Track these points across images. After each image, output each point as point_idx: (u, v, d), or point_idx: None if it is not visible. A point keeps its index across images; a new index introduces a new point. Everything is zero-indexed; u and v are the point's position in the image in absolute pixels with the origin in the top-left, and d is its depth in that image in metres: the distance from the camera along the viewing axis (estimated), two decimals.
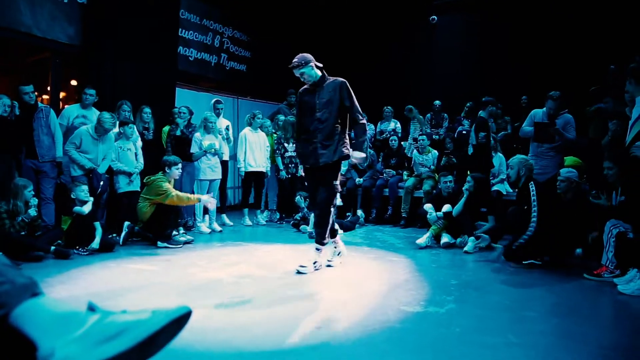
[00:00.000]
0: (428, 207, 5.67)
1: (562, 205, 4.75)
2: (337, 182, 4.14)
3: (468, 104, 8.82)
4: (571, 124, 5.43)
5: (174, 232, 5.54)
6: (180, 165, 5.55)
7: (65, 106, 6.52)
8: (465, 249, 5.10)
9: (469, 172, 6.74)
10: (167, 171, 5.44)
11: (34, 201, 4.79)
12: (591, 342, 2.52)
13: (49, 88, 6.92)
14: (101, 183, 5.51)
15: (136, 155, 5.97)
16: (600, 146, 5.72)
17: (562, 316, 2.98)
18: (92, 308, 1.17)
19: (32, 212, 4.68)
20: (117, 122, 5.83)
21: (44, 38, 6.35)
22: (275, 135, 7.63)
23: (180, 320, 1.19)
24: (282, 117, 7.82)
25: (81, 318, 1.12)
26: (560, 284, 3.84)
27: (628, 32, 7.35)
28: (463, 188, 5.49)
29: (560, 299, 3.42)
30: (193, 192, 6.50)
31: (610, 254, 3.88)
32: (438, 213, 5.48)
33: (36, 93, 5.61)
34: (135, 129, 6.10)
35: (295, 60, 4.00)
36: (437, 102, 9.03)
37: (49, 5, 6.31)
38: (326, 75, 4.14)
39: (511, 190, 6.51)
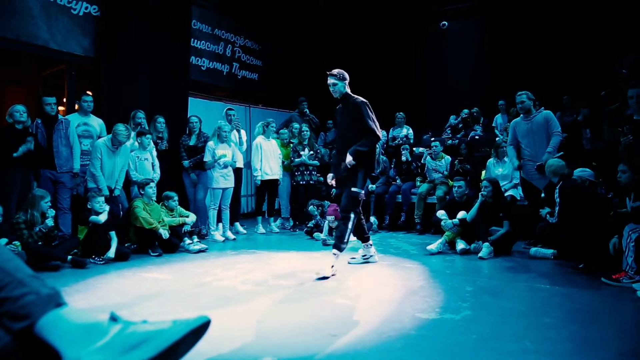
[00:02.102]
0: (441, 213, 5.65)
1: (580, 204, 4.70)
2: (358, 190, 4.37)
3: (474, 110, 8.78)
4: (550, 117, 5.55)
5: (188, 241, 5.59)
6: (153, 185, 5.61)
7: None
8: (480, 254, 5.05)
9: (482, 177, 6.71)
10: (142, 192, 5.53)
11: (52, 212, 4.86)
12: (611, 348, 2.48)
13: (64, 99, 7.03)
14: (112, 204, 5.62)
15: (153, 165, 6.03)
16: (616, 150, 5.67)
17: (580, 322, 2.94)
18: (114, 318, 1.19)
19: (50, 222, 4.75)
20: (132, 133, 5.89)
21: (60, 51, 6.48)
22: (292, 144, 7.69)
23: (200, 329, 1.20)
24: (297, 125, 7.87)
25: (104, 328, 1.15)
26: (577, 289, 3.78)
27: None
28: (480, 193, 5.46)
29: (577, 304, 3.37)
30: (205, 200, 6.57)
31: (630, 259, 3.81)
32: (453, 220, 5.45)
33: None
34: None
35: (335, 70, 4.45)
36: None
37: (65, 18, 6.44)
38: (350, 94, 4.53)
39: (524, 195, 6.46)
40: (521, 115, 5.72)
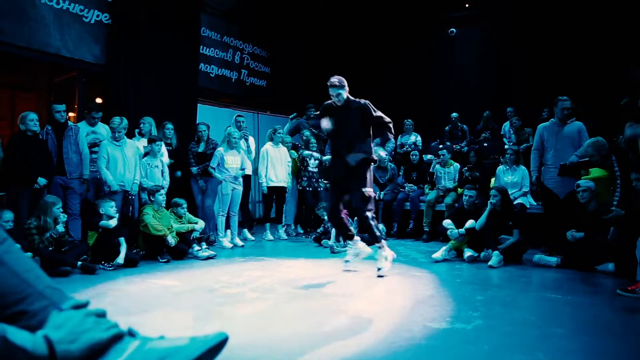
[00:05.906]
0: (447, 223, 5.57)
1: (587, 217, 4.71)
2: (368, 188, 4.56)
3: (485, 114, 8.77)
4: (583, 129, 5.50)
5: (197, 247, 5.59)
6: (163, 192, 5.64)
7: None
8: (490, 263, 5.01)
9: (491, 184, 6.67)
10: (152, 199, 5.55)
11: (64, 217, 4.90)
12: None
13: (75, 106, 7.10)
14: (130, 207, 5.71)
15: (162, 172, 6.05)
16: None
17: (592, 334, 2.89)
18: (131, 333, 1.18)
19: (60, 228, 4.78)
20: (125, 126, 5.96)
21: (72, 58, 6.55)
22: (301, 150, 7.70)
23: (217, 347, 1.19)
24: (307, 132, 7.88)
25: (122, 344, 1.14)
26: (589, 299, 3.74)
27: None
28: (489, 202, 5.42)
29: (589, 315, 3.33)
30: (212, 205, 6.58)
31: None
32: (460, 230, 5.42)
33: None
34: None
35: (335, 80, 4.50)
36: (454, 115, 8.96)
37: (77, 26, 6.52)
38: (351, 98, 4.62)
39: (535, 203, 6.42)
40: (553, 120, 5.63)
